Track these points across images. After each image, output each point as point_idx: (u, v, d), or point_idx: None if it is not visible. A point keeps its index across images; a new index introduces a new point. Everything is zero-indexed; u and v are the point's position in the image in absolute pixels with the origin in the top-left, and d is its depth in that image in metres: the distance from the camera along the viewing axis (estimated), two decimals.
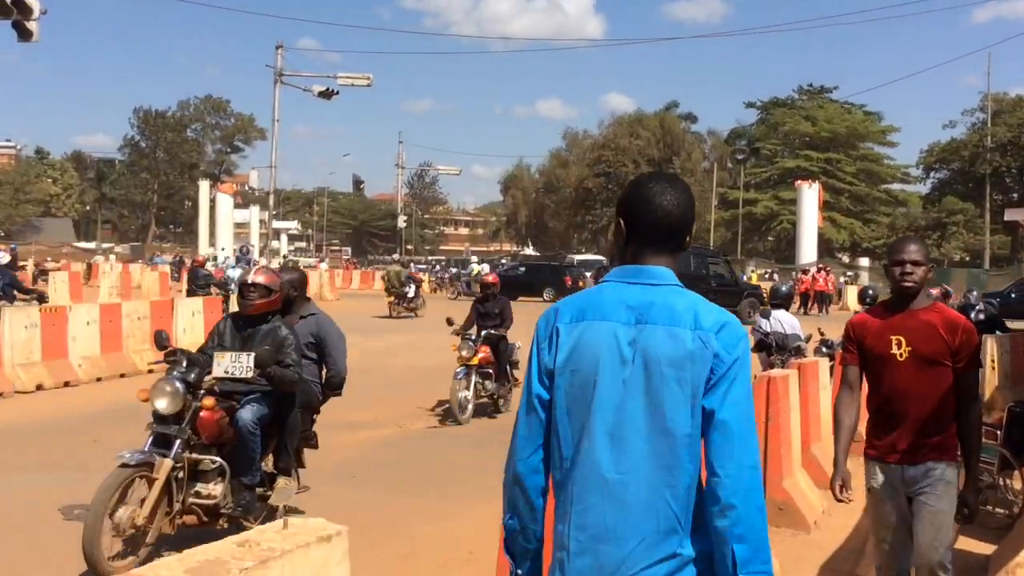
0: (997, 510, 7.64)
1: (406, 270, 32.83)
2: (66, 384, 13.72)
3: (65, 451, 9.91)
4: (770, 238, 73.42)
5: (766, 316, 12.14)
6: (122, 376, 14.75)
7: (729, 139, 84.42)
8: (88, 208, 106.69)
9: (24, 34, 22.82)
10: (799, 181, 52.05)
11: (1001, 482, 7.71)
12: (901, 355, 4.36)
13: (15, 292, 18.39)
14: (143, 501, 5.98)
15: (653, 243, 2.46)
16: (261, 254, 48.28)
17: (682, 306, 2.37)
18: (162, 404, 6.34)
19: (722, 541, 2.26)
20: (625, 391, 2.33)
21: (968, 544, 6.66)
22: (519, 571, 2.60)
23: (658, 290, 2.41)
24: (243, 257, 45.24)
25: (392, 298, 29.68)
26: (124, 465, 5.97)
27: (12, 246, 46.31)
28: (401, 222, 69.02)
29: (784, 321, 11.91)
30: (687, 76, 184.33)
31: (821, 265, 40.09)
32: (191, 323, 16.72)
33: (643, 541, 2.30)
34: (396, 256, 55.18)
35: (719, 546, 2.27)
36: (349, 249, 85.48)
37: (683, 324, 2.33)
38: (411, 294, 30.02)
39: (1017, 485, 7.70)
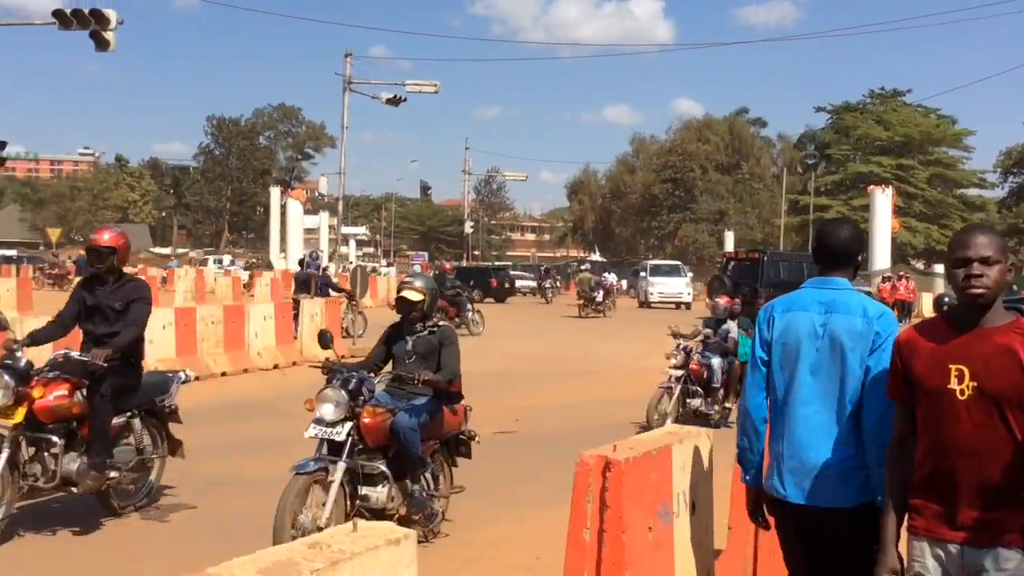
0: None
1: (596, 277, 37.40)
2: None
3: None
4: None
5: None
6: (196, 379, 14.99)
7: (799, 144, 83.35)
8: (164, 214, 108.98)
9: (101, 44, 23.46)
10: (872, 186, 51.15)
11: None
12: (962, 392, 3.08)
13: (330, 291, 22.25)
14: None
15: (830, 264, 3.85)
16: (330, 259, 48.87)
17: (854, 302, 3.71)
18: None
19: (870, 444, 3.56)
20: (818, 355, 3.68)
21: None
22: (747, 477, 3.94)
23: (838, 292, 3.76)
24: (312, 263, 45.81)
25: (582, 301, 34.98)
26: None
27: None
28: (468, 228, 69.39)
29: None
30: (757, 81, 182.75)
31: (902, 272, 39.27)
32: (263, 327, 16.99)
33: (829, 449, 3.62)
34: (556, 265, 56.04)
35: (869, 448, 3.57)
36: (425, 254, 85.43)
37: (856, 313, 3.67)
38: (599, 298, 35.22)
39: None
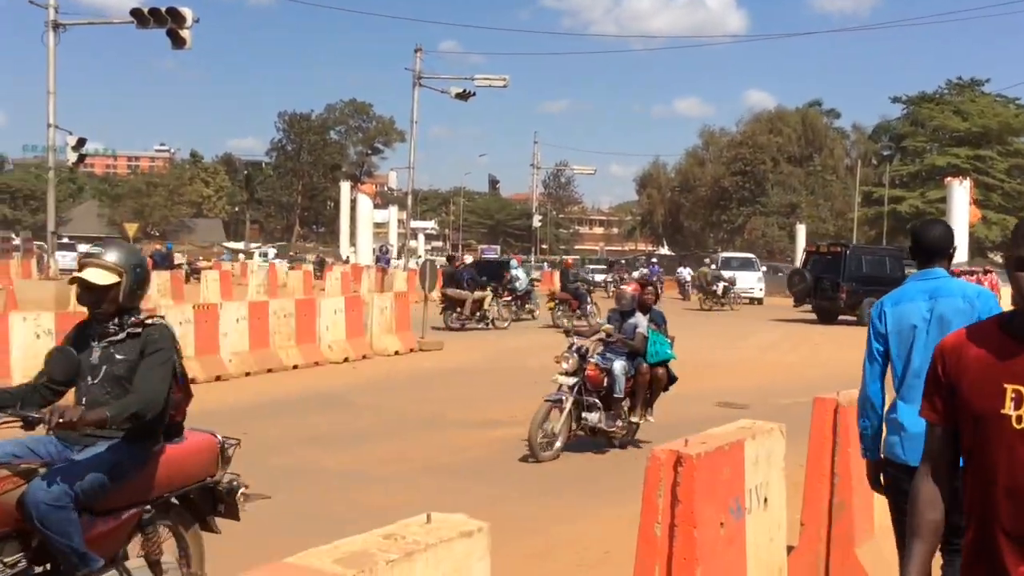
0: None
1: (716, 271, 38.38)
2: (217, 378, 14.30)
3: None
4: None
5: None
6: (269, 371, 15.29)
7: (874, 135, 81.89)
8: (237, 209, 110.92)
9: (178, 41, 23.95)
10: (949, 178, 50.00)
11: None
12: (1019, 419, 2.40)
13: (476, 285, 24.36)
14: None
15: (927, 259, 4.45)
16: (400, 254, 49.30)
17: (954, 286, 4.35)
18: None
19: None
20: (928, 337, 4.23)
21: None
22: (867, 453, 4.49)
23: (938, 280, 4.37)
24: (383, 257, 46.26)
25: (702, 295, 36.18)
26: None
27: (168, 245, 48.58)
28: (536, 222, 69.40)
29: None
30: (831, 71, 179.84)
31: (988, 267, 38.31)
32: (334, 321, 17.19)
33: None
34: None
35: None
36: (497, 247, 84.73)
37: (957, 295, 4.29)
38: (719, 291, 35.91)
39: None
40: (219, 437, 4.92)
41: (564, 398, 9.68)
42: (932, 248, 4.44)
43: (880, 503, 4.54)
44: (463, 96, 36.24)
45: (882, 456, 4.42)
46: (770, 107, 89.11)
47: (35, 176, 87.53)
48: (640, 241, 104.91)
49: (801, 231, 60.13)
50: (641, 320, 10.23)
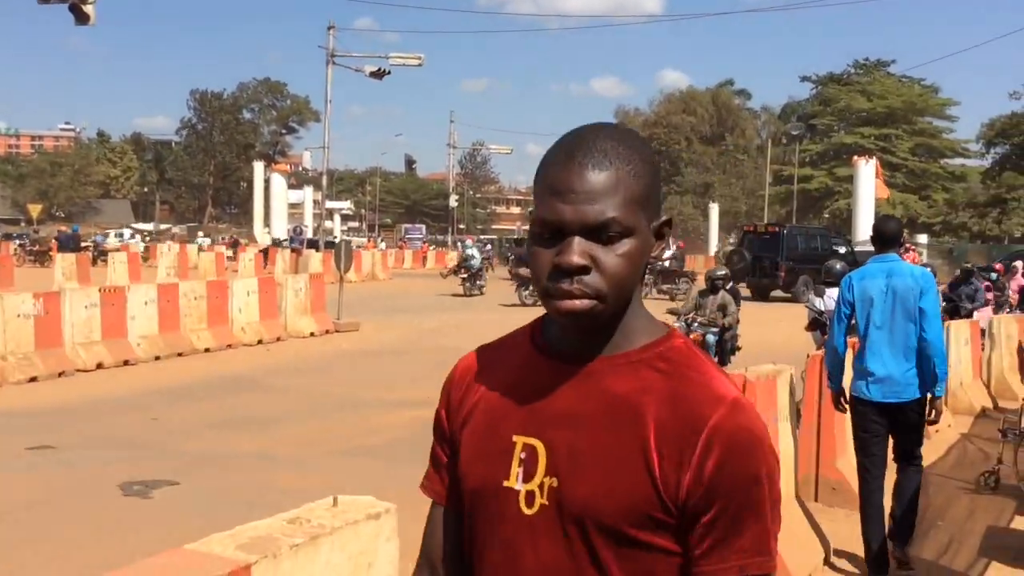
0: None
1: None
2: (125, 363, 13.96)
3: (124, 428, 10.11)
4: (826, 215, 72.50)
5: (820, 295, 12.00)
6: (179, 355, 14.99)
7: (783, 115, 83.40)
8: (146, 190, 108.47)
9: (81, 17, 23.19)
10: (856, 157, 51.16)
11: None
12: (530, 498, 1.38)
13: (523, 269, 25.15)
14: None
15: (885, 246, 5.69)
16: (315, 234, 48.72)
17: (905, 268, 5.64)
18: None
19: (928, 360, 5.39)
20: (885, 304, 5.51)
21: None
22: (832, 385, 5.84)
23: (893, 263, 5.62)
24: (296, 237, 45.69)
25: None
26: None
27: (74, 227, 47.31)
28: (453, 201, 69.27)
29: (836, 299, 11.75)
30: (744, 51, 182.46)
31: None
32: (246, 303, 16.94)
33: (900, 365, 5.45)
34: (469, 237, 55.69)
35: (927, 362, 5.39)
36: (423, 227, 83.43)
37: (906, 275, 5.55)
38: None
39: None
40: None
41: None
42: (888, 238, 5.75)
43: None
44: (378, 75, 35.86)
45: (851, 396, 5.68)
46: (683, 87, 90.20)
47: None
48: None
49: (715, 210, 61.07)
50: None
